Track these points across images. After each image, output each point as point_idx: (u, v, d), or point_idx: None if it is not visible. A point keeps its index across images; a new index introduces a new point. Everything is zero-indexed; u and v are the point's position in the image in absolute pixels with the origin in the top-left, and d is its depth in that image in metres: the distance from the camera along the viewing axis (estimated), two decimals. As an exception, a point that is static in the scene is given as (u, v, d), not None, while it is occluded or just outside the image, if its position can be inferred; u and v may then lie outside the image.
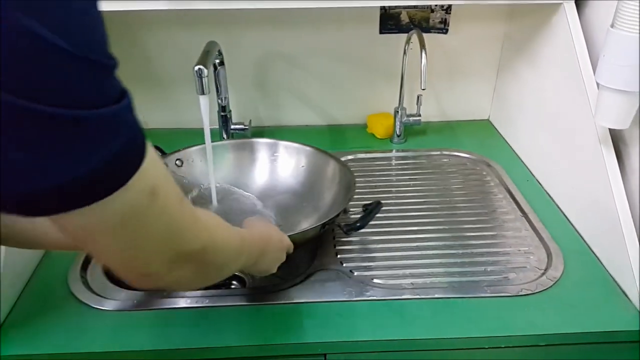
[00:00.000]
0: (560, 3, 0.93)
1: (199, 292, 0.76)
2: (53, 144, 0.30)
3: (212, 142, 0.91)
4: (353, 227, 0.82)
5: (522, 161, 1.10)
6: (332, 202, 0.92)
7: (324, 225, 0.79)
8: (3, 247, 0.72)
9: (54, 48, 0.28)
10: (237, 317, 0.73)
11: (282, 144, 1.02)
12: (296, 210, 0.96)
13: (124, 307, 0.75)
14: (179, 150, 0.99)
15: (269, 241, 0.67)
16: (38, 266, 0.82)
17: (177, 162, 0.98)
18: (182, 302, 0.75)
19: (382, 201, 0.96)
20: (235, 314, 0.73)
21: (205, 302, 0.75)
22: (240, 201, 0.98)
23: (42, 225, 0.60)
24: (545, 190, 0.99)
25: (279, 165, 1.02)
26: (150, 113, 1.23)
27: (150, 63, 1.16)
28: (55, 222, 0.36)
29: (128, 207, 0.36)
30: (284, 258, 0.71)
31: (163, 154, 0.99)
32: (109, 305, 0.75)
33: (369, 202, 0.87)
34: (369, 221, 0.84)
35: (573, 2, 0.92)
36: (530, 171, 1.06)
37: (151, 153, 0.37)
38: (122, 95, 0.34)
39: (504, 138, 1.19)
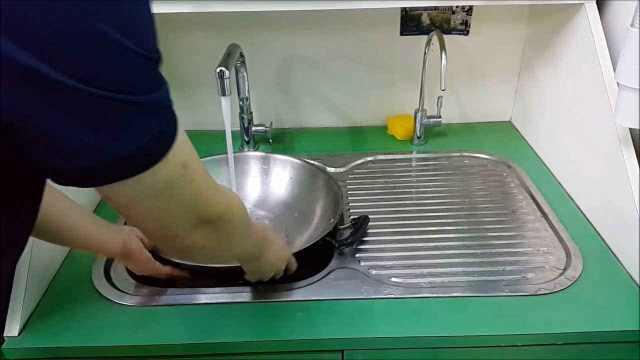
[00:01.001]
0: (582, 3, 0.92)
1: (217, 289, 0.78)
2: (113, 124, 0.37)
3: (218, 155, 1.00)
4: (345, 243, 0.84)
5: (543, 162, 1.09)
6: (322, 213, 0.95)
7: (315, 243, 0.82)
8: (32, 246, 0.75)
9: (119, 46, 0.35)
10: (256, 313, 0.74)
11: (272, 156, 1.06)
12: (288, 220, 0.99)
13: (145, 302, 0.77)
14: None
15: (269, 242, 0.71)
16: (63, 263, 0.84)
17: None
18: (202, 298, 0.77)
19: (402, 202, 0.98)
20: (253, 310, 0.75)
21: (224, 299, 0.77)
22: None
23: (73, 223, 0.68)
24: (566, 191, 0.99)
25: (270, 177, 1.06)
26: (174, 115, 1.26)
27: (174, 66, 1.19)
28: (103, 191, 0.42)
29: (166, 176, 0.43)
30: (281, 267, 0.74)
31: None
32: (131, 300, 0.77)
33: (357, 217, 0.89)
34: (360, 237, 0.86)
35: (594, 2, 0.92)
36: (551, 172, 1.05)
37: (181, 132, 0.43)
38: (163, 83, 0.40)
39: (525, 140, 1.18)
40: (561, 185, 1.01)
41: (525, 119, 1.20)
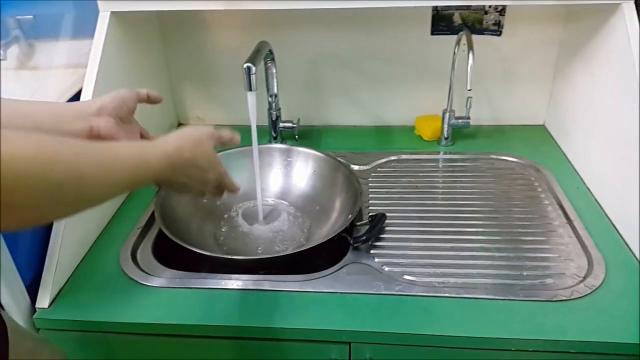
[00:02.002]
0: (619, 3, 0.90)
1: (235, 276, 0.81)
2: None
3: (243, 147, 1.00)
4: (360, 240, 0.84)
5: (574, 168, 1.06)
6: (341, 208, 0.96)
7: (331, 239, 0.83)
8: (64, 226, 0.80)
9: None
10: (271, 300, 0.76)
11: (295, 149, 1.07)
12: (308, 213, 1.01)
13: (168, 284, 0.80)
14: None
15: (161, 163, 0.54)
16: (94, 244, 0.89)
17: None
18: (222, 284, 0.79)
19: (423, 201, 0.98)
20: (269, 297, 0.77)
21: (240, 285, 0.79)
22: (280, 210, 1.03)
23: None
24: (595, 198, 0.96)
25: (293, 170, 1.07)
26: (206, 110, 1.30)
27: (208, 62, 1.22)
28: None
29: None
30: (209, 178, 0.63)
31: None
32: (155, 282, 0.81)
33: (374, 214, 0.89)
34: (375, 234, 0.86)
35: (632, 2, 0.89)
36: (581, 178, 1.02)
37: None
38: None
39: (557, 144, 1.16)
40: (591, 192, 0.98)
41: (559, 123, 1.17)
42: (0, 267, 0.72)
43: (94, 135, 0.61)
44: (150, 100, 0.72)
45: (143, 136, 0.72)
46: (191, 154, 0.59)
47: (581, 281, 0.78)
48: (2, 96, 0.54)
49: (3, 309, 0.73)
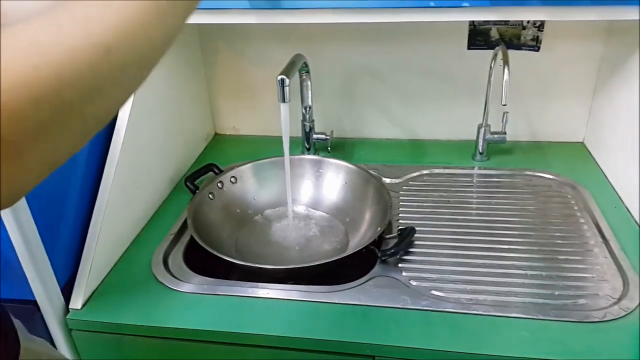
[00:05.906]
0: (660, 20, 0.87)
1: (261, 284, 0.82)
2: None
3: (275, 157, 1.06)
4: (387, 254, 0.84)
5: (613, 187, 1.03)
6: (371, 221, 0.96)
7: (359, 251, 0.83)
8: (99, 232, 0.82)
9: None
10: (296, 310, 0.77)
11: (327, 161, 1.08)
12: (339, 225, 1.02)
13: (196, 290, 0.82)
14: (233, 168, 1.07)
15: None
16: (127, 249, 0.92)
17: (232, 179, 1.06)
18: (250, 292, 0.80)
19: (455, 217, 0.97)
20: (294, 307, 0.77)
21: (267, 294, 0.80)
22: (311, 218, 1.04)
23: None
24: (634, 219, 0.93)
25: (324, 181, 1.08)
26: (241, 121, 1.32)
27: (246, 74, 1.25)
28: None
29: None
30: None
31: (219, 171, 1.08)
32: (184, 287, 0.83)
33: (404, 227, 0.89)
34: (404, 248, 0.85)
35: (675, 18, 0.86)
36: (620, 198, 0.99)
37: None
38: None
39: (596, 162, 1.13)
40: (629, 212, 0.95)
41: (598, 140, 1.14)
42: (37, 267, 0.75)
43: None
44: None
45: None
46: None
47: (615, 303, 0.75)
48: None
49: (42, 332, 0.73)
